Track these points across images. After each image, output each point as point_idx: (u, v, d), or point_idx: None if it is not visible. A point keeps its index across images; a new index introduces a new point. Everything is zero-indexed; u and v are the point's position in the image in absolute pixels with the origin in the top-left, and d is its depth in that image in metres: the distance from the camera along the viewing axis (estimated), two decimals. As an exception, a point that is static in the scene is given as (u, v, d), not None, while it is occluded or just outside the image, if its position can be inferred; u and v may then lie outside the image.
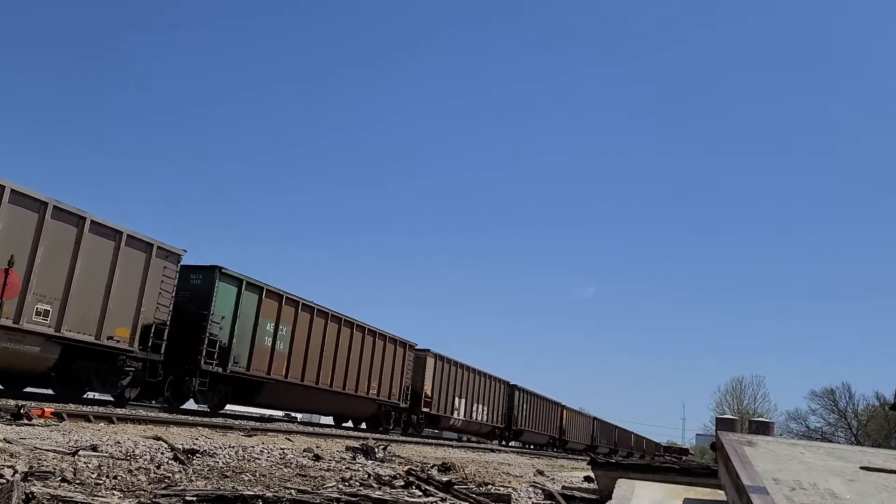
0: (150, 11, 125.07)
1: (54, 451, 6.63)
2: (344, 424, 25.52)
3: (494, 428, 35.60)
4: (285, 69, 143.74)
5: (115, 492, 5.16)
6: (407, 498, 6.28)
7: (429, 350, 28.10)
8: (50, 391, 14.50)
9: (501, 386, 36.09)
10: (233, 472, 7.31)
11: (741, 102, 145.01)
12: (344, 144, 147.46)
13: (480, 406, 33.14)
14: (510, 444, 37.72)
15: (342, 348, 21.90)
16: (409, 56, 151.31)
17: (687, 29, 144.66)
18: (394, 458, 12.26)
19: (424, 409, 27.60)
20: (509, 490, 8.50)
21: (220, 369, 16.89)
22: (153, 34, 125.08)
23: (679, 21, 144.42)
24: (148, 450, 7.91)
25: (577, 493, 7.89)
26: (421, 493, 6.79)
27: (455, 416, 30.26)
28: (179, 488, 5.56)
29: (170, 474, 6.44)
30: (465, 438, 34.15)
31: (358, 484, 7.37)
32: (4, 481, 4.70)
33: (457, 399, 30.32)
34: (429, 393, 27.84)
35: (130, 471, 6.28)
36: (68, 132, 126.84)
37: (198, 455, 8.26)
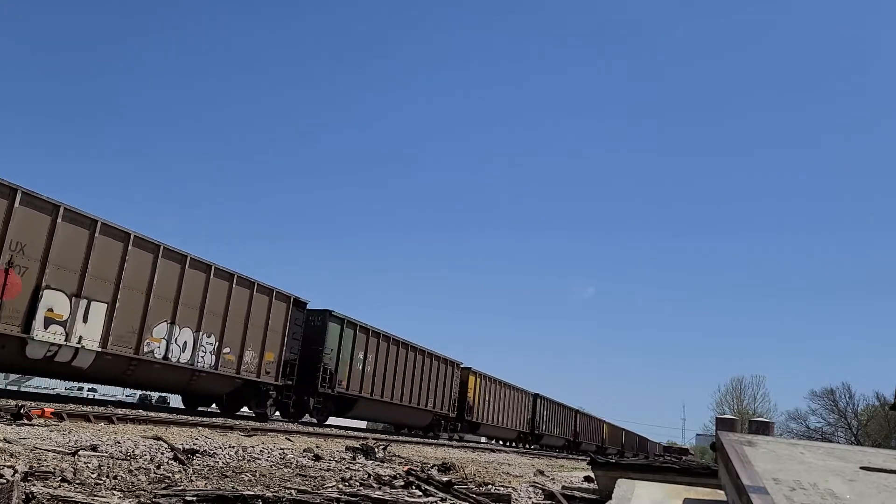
0: (149, 11, 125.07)
1: (54, 451, 6.63)
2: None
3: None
4: (285, 69, 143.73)
5: (115, 492, 5.16)
6: (407, 498, 6.28)
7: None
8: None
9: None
10: (233, 472, 7.30)
11: (741, 101, 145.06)
12: (344, 144, 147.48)
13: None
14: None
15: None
16: (409, 56, 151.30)
17: (686, 28, 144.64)
18: (394, 458, 12.25)
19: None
20: (509, 490, 8.49)
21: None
22: (152, 34, 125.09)
23: (678, 20, 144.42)
24: (148, 450, 7.90)
25: (577, 493, 7.88)
26: (421, 493, 6.79)
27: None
28: (179, 488, 5.56)
29: (170, 474, 6.44)
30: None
31: (358, 484, 7.37)
32: (4, 481, 4.70)
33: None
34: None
35: (130, 471, 6.28)
36: (68, 132, 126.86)
37: (198, 455, 8.26)
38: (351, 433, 19.63)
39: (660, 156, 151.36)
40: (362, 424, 32.87)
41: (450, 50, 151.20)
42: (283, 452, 10.21)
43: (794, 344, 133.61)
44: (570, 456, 38.44)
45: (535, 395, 41.06)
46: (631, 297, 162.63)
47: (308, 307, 20.87)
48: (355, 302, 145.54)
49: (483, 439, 37.68)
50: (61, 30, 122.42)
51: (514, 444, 38.42)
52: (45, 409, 10.05)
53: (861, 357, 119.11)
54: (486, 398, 33.87)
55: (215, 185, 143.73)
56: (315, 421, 22.03)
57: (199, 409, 19.70)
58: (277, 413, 21.39)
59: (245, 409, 20.39)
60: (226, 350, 17.01)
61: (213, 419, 15.34)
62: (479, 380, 33.11)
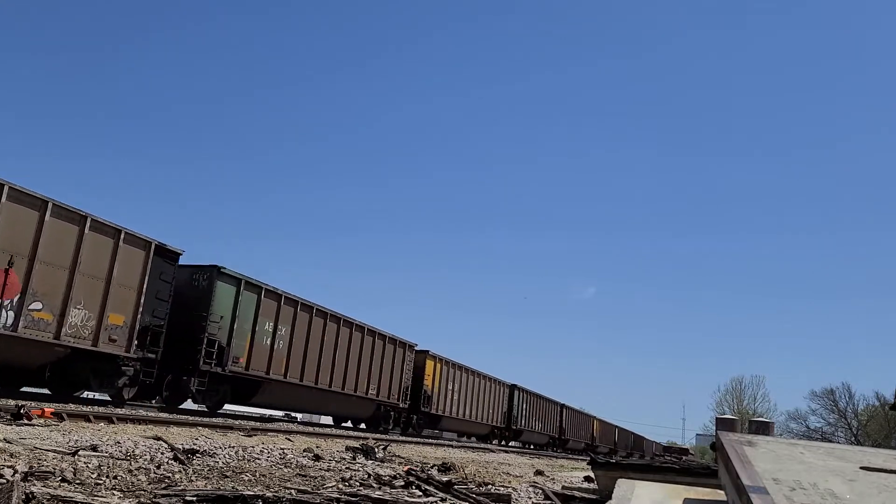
0: (149, 11, 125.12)
1: (54, 451, 6.63)
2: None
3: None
4: (284, 69, 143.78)
5: (115, 492, 5.16)
6: (407, 498, 6.28)
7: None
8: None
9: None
10: (233, 472, 7.31)
11: (741, 101, 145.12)
12: (344, 144, 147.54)
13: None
14: (510, 443, 37.50)
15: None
16: (408, 55, 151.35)
17: (686, 27, 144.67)
18: (394, 458, 12.26)
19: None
20: (509, 490, 8.50)
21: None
22: (152, 34, 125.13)
23: (678, 19, 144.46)
24: (148, 450, 7.91)
25: (577, 493, 7.88)
26: (421, 493, 6.79)
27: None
28: (179, 488, 5.56)
29: (170, 474, 6.44)
30: (465, 438, 34.19)
31: (358, 484, 7.37)
32: (4, 481, 4.70)
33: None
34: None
35: (130, 471, 6.28)
36: (69, 132, 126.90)
37: (198, 455, 8.26)
38: (351, 433, 19.64)
39: (660, 156, 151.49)
40: (279, 414, 28.01)
41: (450, 50, 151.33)
42: (283, 452, 10.21)
43: (794, 344, 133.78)
44: (567, 455, 38.31)
45: (513, 386, 37.54)
46: (631, 297, 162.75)
47: (193, 264, 16.85)
48: (355, 302, 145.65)
49: (450, 435, 34.73)
50: (61, 30, 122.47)
51: (487, 441, 35.01)
52: (45, 409, 10.05)
53: (861, 357, 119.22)
54: (450, 387, 29.82)
55: (215, 186, 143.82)
56: (204, 408, 18.11)
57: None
58: (150, 399, 17.20)
59: (89, 393, 16.04)
60: (34, 305, 12.49)
61: (213, 419, 15.34)
62: (439, 365, 28.99)
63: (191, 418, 14.49)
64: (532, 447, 39.80)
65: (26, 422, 8.99)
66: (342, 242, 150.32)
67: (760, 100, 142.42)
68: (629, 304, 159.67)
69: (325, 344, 20.94)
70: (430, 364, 28.22)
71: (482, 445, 29.76)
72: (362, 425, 26.05)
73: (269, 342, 18.55)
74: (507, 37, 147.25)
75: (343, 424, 25.65)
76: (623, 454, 57.15)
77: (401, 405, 26.07)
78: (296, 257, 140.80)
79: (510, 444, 37.52)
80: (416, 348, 27.32)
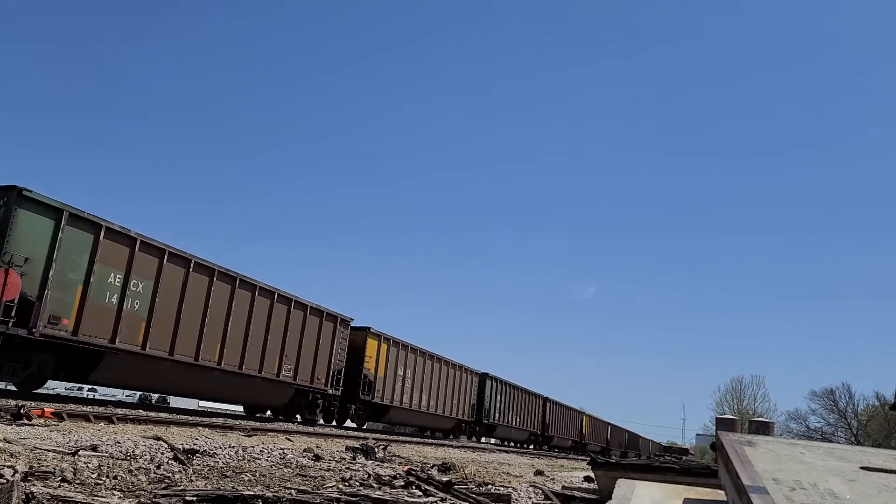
0: (149, 12, 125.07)
1: (54, 451, 6.63)
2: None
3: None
4: (284, 69, 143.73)
5: (115, 492, 5.16)
6: (407, 498, 6.28)
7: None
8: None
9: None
10: (233, 472, 7.31)
11: (741, 101, 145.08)
12: (344, 144, 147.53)
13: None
14: (482, 439, 34.53)
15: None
16: (408, 56, 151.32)
17: (686, 27, 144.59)
18: (394, 458, 12.26)
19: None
20: (509, 490, 8.50)
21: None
22: (152, 34, 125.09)
23: (678, 19, 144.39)
24: (148, 450, 7.90)
25: (577, 493, 7.88)
26: (421, 493, 6.79)
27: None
28: (179, 488, 5.56)
29: (170, 474, 6.44)
30: (427, 433, 30.69)
31: (358, 484, 7.37)
32: (4, 481, 4.70)
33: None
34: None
35: (130, 471, 6.28)
36: (68, 132, 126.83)
37: (198, 455, 8.26)
38: (351, 433, 19.60)
39: (660, 156, 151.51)
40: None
41: (450, 50, 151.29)
42: (283, 452, 10.21)
43: (794, 344, 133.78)
44: (570, 456, 38.19)
45: (484, 375, 33.82)
46: (631, 297, 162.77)
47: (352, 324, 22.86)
48: (355, 301, 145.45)
49: (404, 430, 31.86)
50: (61, 30, 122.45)
51: (450, 437, 30.94)
52: (45, 409, 10.05)
53: (861, 357, 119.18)
54: (400, 373, 25.77)
55: (215, 185, 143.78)
56: (355, 425, 24.25)
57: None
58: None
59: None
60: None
61: (213, 419, 15.33)
62: (385, 346, 24.83)
63: (191, 418, 14.48)
64: (516, 444, 37.21)
65: (26, 422, 8.99)
66: (342, 242, 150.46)
67: (760, 100, 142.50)
68: (629, 304, 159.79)
69: (210, 308, 16.73)
70: (371, 344, 24.17)
71: (483, 446, 29.45)
72: (266, 413, 22.40)
73: (115, 300, 14.29)
74: (507, 37, 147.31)
75: (257, 414, 22.01)
76: (617, 453, 56.12)
77: (329, 391, 22.06)
78: (296, 257, 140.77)
79: (482, 440, 34.34)
80: (351, 324, 23.27)
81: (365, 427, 25.61)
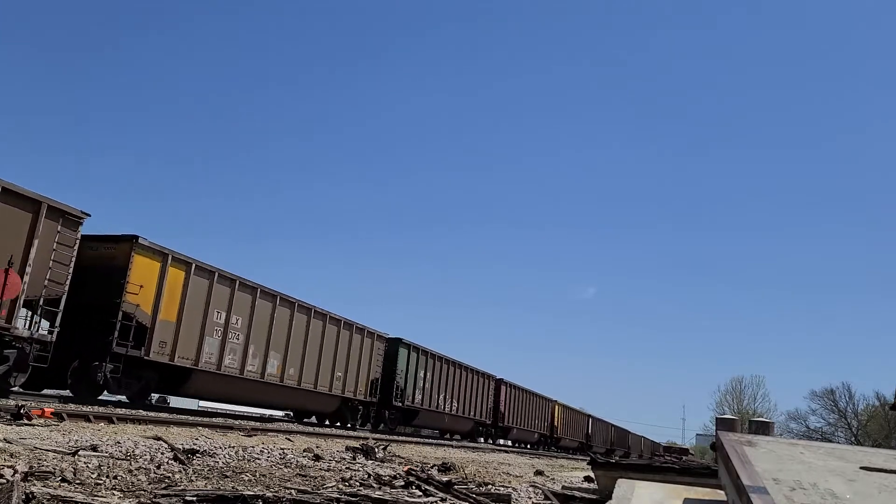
0: (147, 10, 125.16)
1: (54, 451, 6.63)
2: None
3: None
4: (283, 67, 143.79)
5: (115, 492, 5.16)
6: (407, 498, 6.28)
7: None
8: None
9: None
10: (233, 472, 7.31)
11: (740, 100, 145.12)
12: (343, 143, 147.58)
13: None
14: (497, 441, 36.07)
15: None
16: (407, 54, 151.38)
17: (683, 25, 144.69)
18: (394, 458, 12.26)
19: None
20: (509, 490, 8.50)
21: (400, 403, 23.26)
22: (149, 32, 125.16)
23: (676, 18, 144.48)
24: (148, 450, 7.91)
25: (577, 493, 7.88)
26: (421, 493, 6.79)
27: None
28: (179, 488, 5.56)
29: (170, 474, 6.44)
30: (447, 436, 31.81)
31: (358, 484, 7.37)
32: (4, 481, 4.70)
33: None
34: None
35: (130, 471, 6.28)
36: (68, 131, 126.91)
37: (198, 455, 8.26)
38: (351, 433, 19.62)
39: (660, 156, 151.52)
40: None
41: (449, 49, 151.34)
42: (283, 452, 10.21)
43: (794, 344, 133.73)
44: (570, 456, 38.22)
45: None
46: (631, 298, 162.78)
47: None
48: (355, 301, 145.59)
49: (429, 432, 32.64)
50: (60, 29, 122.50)
51: (471, 439, 32.46)
52: (45, 409, 10.05)
53: (861, 357, 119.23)
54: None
55: (216, 185, 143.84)
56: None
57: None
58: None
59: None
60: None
61: (213, 419, 15.33)
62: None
63: (191, 418, 14.49)
64: (520, 445, 38.41)
65: (26, 422, 8.99)
66: (341, 242, 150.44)
67: (760, 99, 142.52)
68: (629, 304, 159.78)
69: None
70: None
71: (481, 445, 29.61)
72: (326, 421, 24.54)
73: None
74: (509, 35, 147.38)
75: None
76: (620, 453, 54.78)
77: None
78: (295, 257, 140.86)
79: (497, 441, 36.07)
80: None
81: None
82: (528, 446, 39.43)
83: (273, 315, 19.32)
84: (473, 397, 32.28)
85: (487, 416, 32.63)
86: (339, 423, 23.77)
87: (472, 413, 32.00)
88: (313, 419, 24.19)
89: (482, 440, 33.94)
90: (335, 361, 22.28)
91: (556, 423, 44.33)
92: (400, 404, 25.85)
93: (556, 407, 44.72)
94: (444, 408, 29.23)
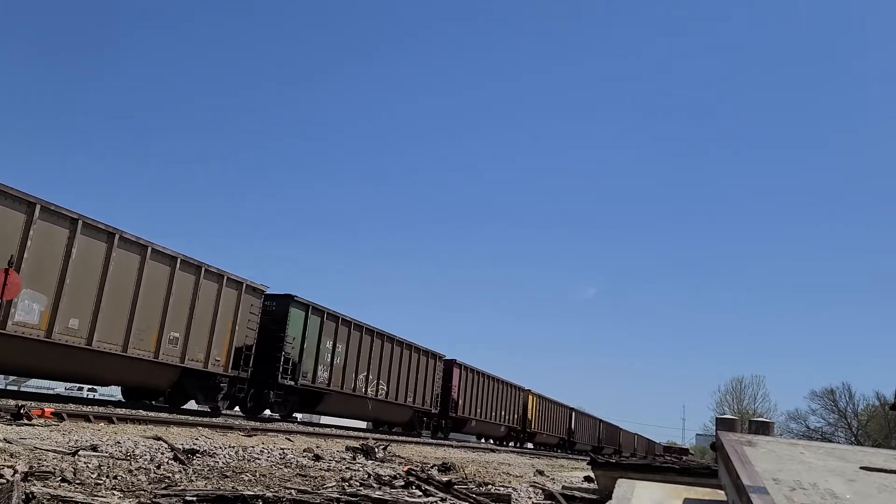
0: (147, 10, 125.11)
1: (54, 451, 6.63)
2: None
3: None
4: (283, 68, 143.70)
5: (115, 492, 5.16)
6: (407, 498, 6.28)
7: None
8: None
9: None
10: (233, 472, 7.31)
11: (739, 100, 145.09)
12: (343, 144, 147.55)
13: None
14: (525, 445, 38.53)
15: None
16: (406, 54, 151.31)
17: (684, 24, 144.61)
18: (394, 458, 12.25)
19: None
20: (509, 490, 8.49)
21: (292, 382, 19.70)
22: (150, 32, 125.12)
23: (676, 17, 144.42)
24: (148, 450, 7.90)
25: (577, 493, 7.88)
26: (421, 493, 6.79)
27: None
28: (179, 488, 5.56)
29: (170, 474, 6.44)
30: (484, 440, 35.55)
31: (358, 484, 7.37)
32: (4, 481, 4.70)
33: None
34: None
35: (130, 471, 6.28)
36: (68, 131, 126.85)
37: (198, 455, 8.26)
38: (351, 433, 19.63)
39: (660, 156, 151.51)
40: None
41: (449, 49, 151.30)
42: (283, 452, 10.20)
43: (794, 344, 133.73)
44: (567, 455, 38.14)
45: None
46: (631, 298, 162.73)
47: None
48: (355, 301, 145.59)
49: (472, 437, 34.73)
50: (60, 29, 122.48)
51: (503, 443, 35.16)
52: (45, 409, 10.05)
53: (861, 357, 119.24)
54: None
55: (215, 185, 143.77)
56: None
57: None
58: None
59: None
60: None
61: (213, 419, 15.33)
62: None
63: (191, 418, 14.49)
64: (544, 448, 40.74)
65: (26, 422, 8.99)
66: (340, 241, 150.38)
67: (759, 99, 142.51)
68: (629, 304, 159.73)
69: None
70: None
71: (483, 445, 29.83)
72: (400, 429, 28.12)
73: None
74: (507, 35, 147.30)
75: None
76: (610, 452, 52.71)
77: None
78: (296, 257, 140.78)
79: (450, 435, 32.55)
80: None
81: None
82: (493, 442, 35.86)
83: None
84: (413, 381, 26.65)
85: (434, 404, 28.06)
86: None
87: (411, 400, 26.40)
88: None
89: (427, 433, 28.54)
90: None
91: (529, 416, 38.91)
92: (291, 383, 19.80)
93: (530, 397, 39.35)
94: (366, 391, 23.44)
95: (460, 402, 30.37)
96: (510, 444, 36.54)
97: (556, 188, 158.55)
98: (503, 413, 35.52)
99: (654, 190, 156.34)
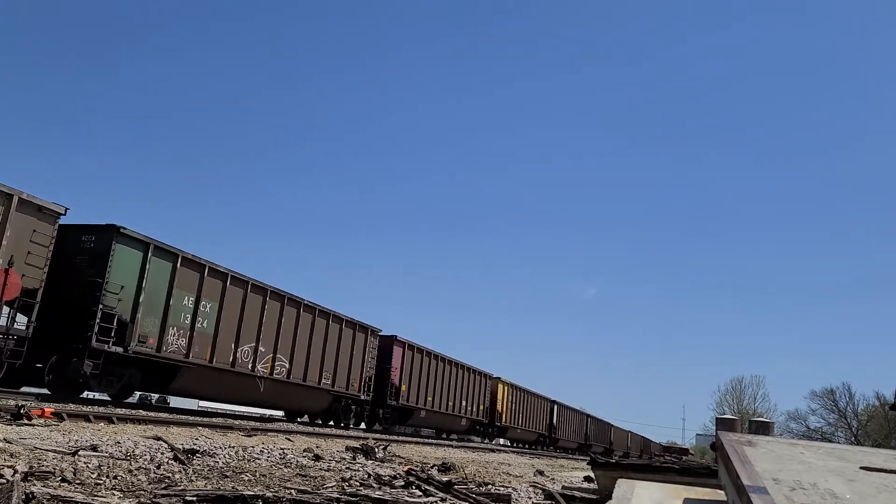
0: (151, 12, 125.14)
1: (54, 451, 6.63)
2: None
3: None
4: (284, 70, 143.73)
5: (115, 492, 5.16)
6: (407, 498, 6.28)
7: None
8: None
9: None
10: (233, 472, 7.30)
11: (740, 103, 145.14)
12: (343, 144, 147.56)
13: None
14: (494, 440, 34.82)
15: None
16: (407, 56, 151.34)
17: (686, 30, 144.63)
18: (394, 458, 12.25)
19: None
20: (509, 490, 8.49)
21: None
22: (153, 35, 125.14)
23: (678, 23, 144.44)
24: (148, 450, 7.90)
25: (577, 493, 7.87)
26: (421, 493, 6.79)
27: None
28: (179, 488, 5.56)
29: (170, 474, 6.44)
30: (443, 435, 30.44)
31: (358, 484, 7.37)
32: (4, 481, 4.70)
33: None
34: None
35: (130, 471, 6.28)
36: (69, 132, 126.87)
37: (198, 455, 8.26)
38: (351, 433, 19.60)
39: (660, 157, 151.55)
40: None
41: (449, 52, 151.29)
42: (283, 452, 10.21)
43: (794, 344, 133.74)
44: (570, 456, 38.08)
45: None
46: (631, 298, 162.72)
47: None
48: (354, 301, 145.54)
49: (427, 431, 31.43)
50: (61, 30, 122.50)
51: (466, 439, 31.10)
52: (45, 409, 10.04)
53: (861, 357, 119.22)
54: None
55: (215, 185, 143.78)
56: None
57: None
58: (362, 424, 23.73)
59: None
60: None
61: (213, 419, 15.33)
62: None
63: (191, 418, 14.49)
64: (519, 445, 36.40)
65: (26, 422, 8.98)
66: (341, 243, 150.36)
67: (759, 102, 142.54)
68: (629, 304, 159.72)
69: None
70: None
71: (482, 445, 29.31)
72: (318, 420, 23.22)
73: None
74: (513, 39, 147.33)
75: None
76: (600, 450, 49.97)
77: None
78: (296, 257, 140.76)
79: (494, 441, 34.30)
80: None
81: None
82: (455, 436, 32.03)
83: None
84: (333, 359, 21.90)
85: (364, 389, 23.03)
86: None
87: (328, 382, 21.75)
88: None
89: (362, 424, 24.67)
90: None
91: (499, 408, 34.96)
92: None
93: (500, 386, 35.13)
94: (254, 368, 18.43)
95: (403, 387, 25.47)
96: (481, 441, 33.34)
97: (556, 189, 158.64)
98: (464, 403, 31.06)
99: (654, 191, 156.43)
